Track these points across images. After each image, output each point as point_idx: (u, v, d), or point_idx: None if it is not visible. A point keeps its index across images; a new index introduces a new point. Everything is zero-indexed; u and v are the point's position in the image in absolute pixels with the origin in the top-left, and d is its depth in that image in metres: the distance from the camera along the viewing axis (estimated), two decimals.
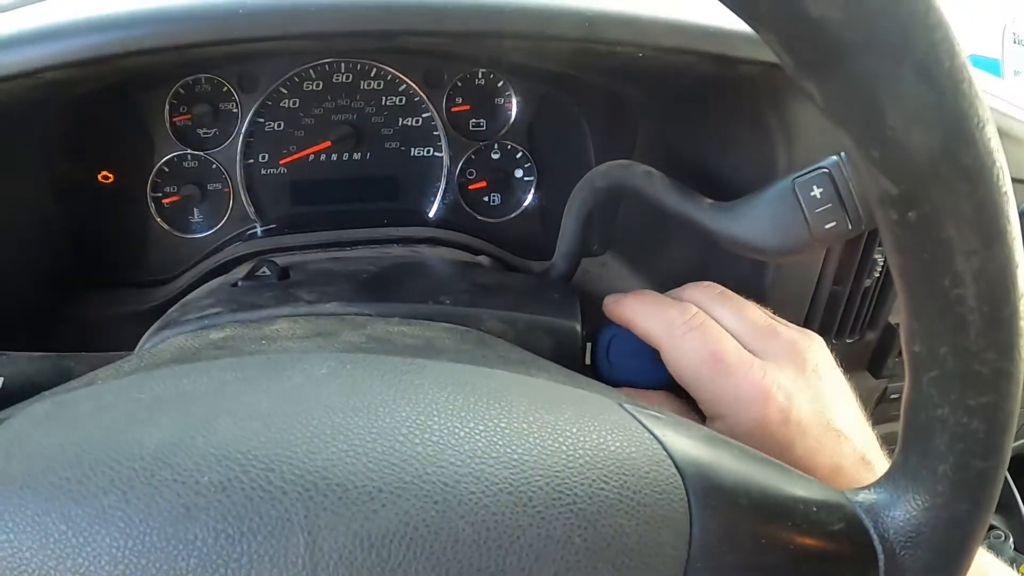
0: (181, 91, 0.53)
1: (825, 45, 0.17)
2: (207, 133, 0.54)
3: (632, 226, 0.59)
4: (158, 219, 0.55)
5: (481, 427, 0.21)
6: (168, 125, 0.53)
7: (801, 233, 0.35)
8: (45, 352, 0.36)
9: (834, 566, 0.24)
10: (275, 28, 0.32)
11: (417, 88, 0.56)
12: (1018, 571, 0.74)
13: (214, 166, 0.55)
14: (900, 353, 0.38)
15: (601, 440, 0.22)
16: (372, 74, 0.56)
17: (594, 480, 0.21)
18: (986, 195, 0.18)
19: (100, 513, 0.18)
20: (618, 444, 0.22)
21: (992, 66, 1.02)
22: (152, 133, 0.53)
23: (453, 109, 0.58)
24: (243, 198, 0.56)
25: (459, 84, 0.57)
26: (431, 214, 0.59)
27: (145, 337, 0.35)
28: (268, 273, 0.40)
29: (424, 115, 0.57)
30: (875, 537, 0.24)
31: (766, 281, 0.45)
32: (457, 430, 0.21)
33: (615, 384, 0.35)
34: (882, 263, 0.46)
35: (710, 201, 0.39)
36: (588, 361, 0.39)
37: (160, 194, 0.55)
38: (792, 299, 0.46)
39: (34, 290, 0.49)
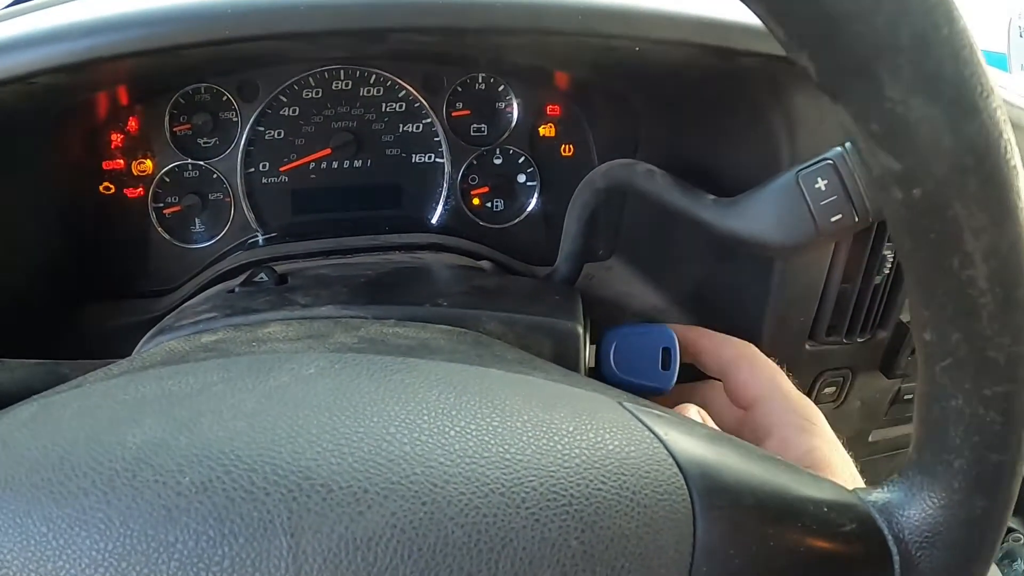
0: (181, 101, 0.53)
1: (816, 14, 0.16)
2: (207, 142, 0.54)
3: (637, 230, 0.58)
4: (159, 229, 0.55)
5: (473, 426, 0.21)
6: (168, 135, 0.53)
7: (806, 227, 0.34)
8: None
9: (847, 569, 0.23)
10: (263, 27, 0.32)
11: (417, 94, 0.56)
12: None
13: (215, 175, 0.55)
14: (913, 351, 0.37)
15: (599, 439, 0.22)
16: (371, 80, 0.56)
17: (591, 480, 0.20)
18: (993, 169, 0.17)
19: (81, 514, 0.18)
20: (617, 443, 0.22)
21: (999, 61, 1.00)
22: (152, 143, 0.53)
23: (453, 115, 0.57)
24: (244, 207, 0.56)
25: (459, 89, 0.57)
26: (433, 221, 0.59)
27: (141, 343, 0.35)
28: (265, 279, 0.39)
29: (424, 121, 0.57)
30: (889, 538, 0.23)
31: (773, 281, 0.44)
32: (447, 429, 0.21)
33: (620, 387, 0.35)
34: (892, 259, 0.45)
35: (712, 197, 0.38)
36: (592, 364, 0.38)
37: (161, 204, 0.55)
38: (800, 299, 0.45)
39: (36, 302, 0.49)
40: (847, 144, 0.34)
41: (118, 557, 0.18)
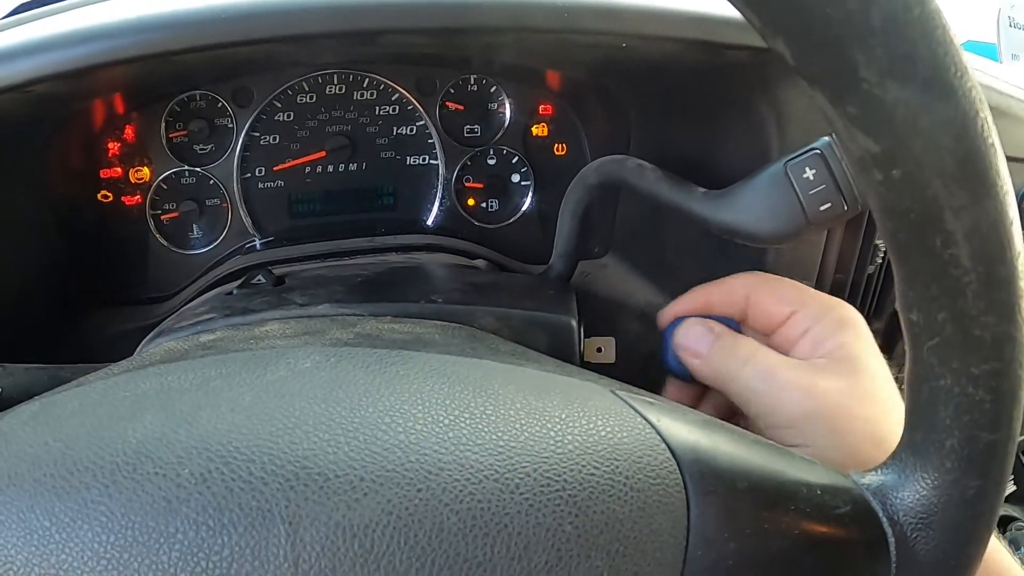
0: (176, 108, 0.54)
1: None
2: (203, 149, 0.55)
3: (632, 226, 0.58)
4: (158, 236, 0.55)
5: (466, 415, 0.21)
6: (165, 142, 0.54)
7: (796, 217, 0.34)
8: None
9: (842, 552, 0.23)
10: (254, 32, 0.32)
11: (410, 96, 0.57)
12: None
13: (211, 181, 0.55)
14: None
15: (591, 425, 0.22)
16: (365, 84, 0.56)
17: (584, 465, 0.21)
18: (971, 147, 0.17)
19: (83, 508, 0.18)
20: (609, 429, 0.22)
21: (989, 51, 1.01)
22: (149, 151, 0.54)
23: (447, 116, 0.58)
24: (241, 212, 0.56)
25: (452, 91, 0.57)
26: (429, 222, 0.59)
27: (141, 345, 0.35)
28: (263, 281, 0.40)
29: (418, 123, 0.57)
30: (884, 520, 0.23)
31: (766, 272, 0.44)
32: (441, 418, 0.21)
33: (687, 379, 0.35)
34: (884, 248, 0.45)
35: (702, 190, 0.38)
36: (611, 360, 0.38)
37: (159, 211, 0.55)
38: None
39: (37, 309, 0.49)
40: (834, 134, 0.34)
41: (120, 549, 0.18)
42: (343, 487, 0.19)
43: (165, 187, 0.55)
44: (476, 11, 0.33)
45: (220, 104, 0.54)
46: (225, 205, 0.56)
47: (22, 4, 0.64)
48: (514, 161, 0.59)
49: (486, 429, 0.21)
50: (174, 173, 0.55)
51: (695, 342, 0.36)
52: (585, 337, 0.38)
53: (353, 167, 0.57)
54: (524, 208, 0.60)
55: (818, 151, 0.34)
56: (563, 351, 0.35)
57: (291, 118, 0.56)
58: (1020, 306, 0.20)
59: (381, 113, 0.57)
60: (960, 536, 0.23)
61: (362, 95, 0.56)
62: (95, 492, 0.19)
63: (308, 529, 0.18)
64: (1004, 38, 0.97)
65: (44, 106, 0.42)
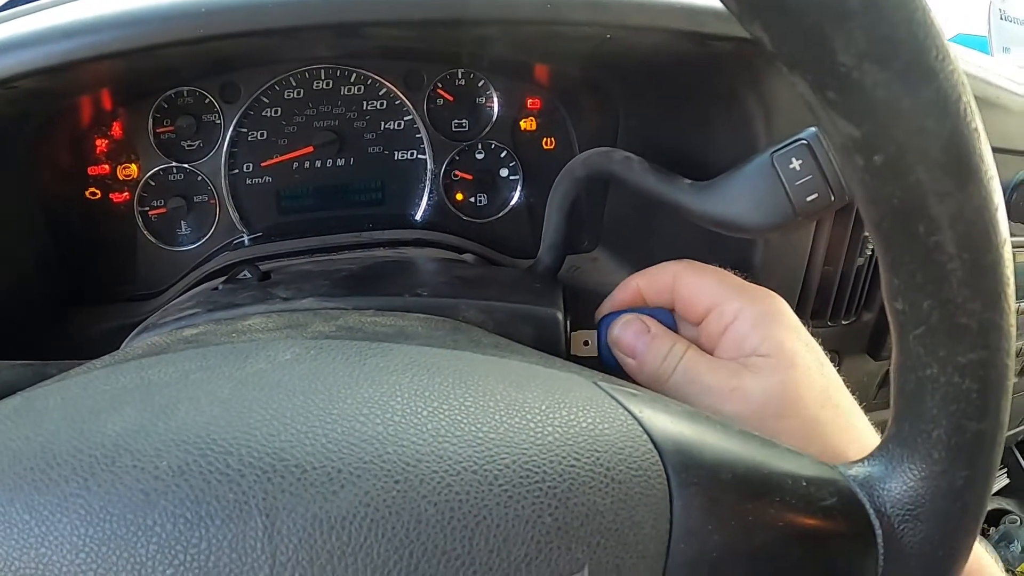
0: (164, 104, 0.53)
1: None
2: (191, 145, 0.54)
3: (621, 220, 0.58)
4: (146, 233, 0.55)
5: (445, 406, 0.21)
6: (152, 138, 0.53)
7: (783, 207, 0.34)
8: None
9: (828, 544, 0.23)
10: (237, 25, 0.32)
11: (397, 91, 0.56)
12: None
13: (199, 178, 0.55)
14: None
15: (572, 417, 0.21)
16: (352, 79, 0.56)
17: (565, 457, 0.20)
18: (954, 131, 0.17)
19: (62, 501, 0.18)
20: (591, 420, 0.22)
21: (981, 44, 1.01)
22: (137, 147, 0.53)
23: (434, 111, 0.57)
24: (229, 208, 0.55)
25: (439, 85, 0.57)
26: (417, 217, 0.59)
27: (126, 341, 0.35)
28: (248, 276, 0.39)
29: (406, 118, 0.57)
30: (871, 512, 0.23)
31: (755, 265, 0.44)
32: (420, 409, 0.21)
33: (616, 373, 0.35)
34: None
35: (689, 181, 0.38)
36: (595, 354, 0.38)
37: (147, 208, 0.55)
38: (783, 282, 0.45)
39: (24, 306, 0.49)
40: (816, 120, 0.34)
41: (98, 542, 0.18)
42: (320, 479, 0.19)
43: (153, 184, 0.54)
44: (461, 3, 0.33)
45: (208, 100, 0.54)
46: (213, 201, 0.55)
47: (7, 1, 0.64)
48: (502, 155, 0.59)
49: (465, 420, 0.20)
50: (162, 170, 0.54)
51: (632, 340, 0.35)
52: (573, 330, 0.38)
53: (341, 162, 0.57)
54: (513, 202, 0.60)
55: (804, 142, 0.34)
56: (549, 344, 0.35)
57: (278, 114, 0.55)
58: (1006, 293, 0.20)
59: (369, 108, 0.56)
60: (948, 527, 0.23)
61: (350, 90, 0.56)
62: (74, 485, 0.18)
63: (285, 521, 0.18)
64: (995, 31, 0.97)
65: (31, 103, 0.42)
